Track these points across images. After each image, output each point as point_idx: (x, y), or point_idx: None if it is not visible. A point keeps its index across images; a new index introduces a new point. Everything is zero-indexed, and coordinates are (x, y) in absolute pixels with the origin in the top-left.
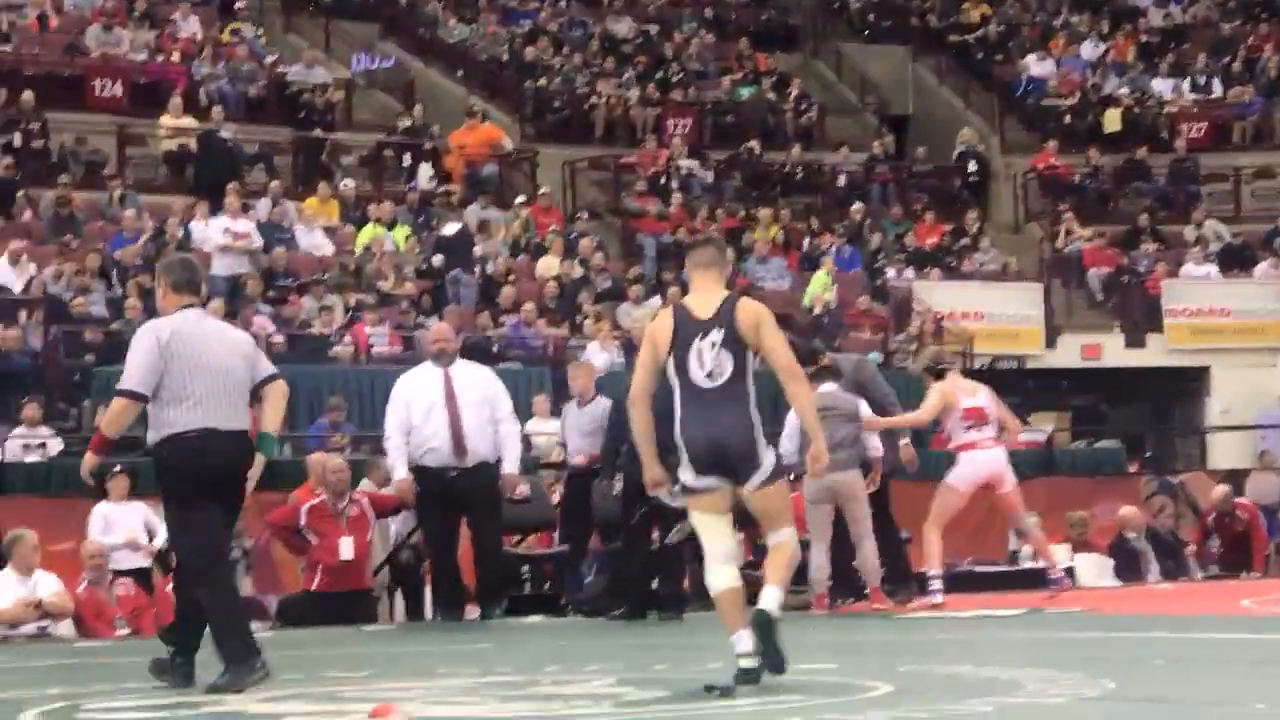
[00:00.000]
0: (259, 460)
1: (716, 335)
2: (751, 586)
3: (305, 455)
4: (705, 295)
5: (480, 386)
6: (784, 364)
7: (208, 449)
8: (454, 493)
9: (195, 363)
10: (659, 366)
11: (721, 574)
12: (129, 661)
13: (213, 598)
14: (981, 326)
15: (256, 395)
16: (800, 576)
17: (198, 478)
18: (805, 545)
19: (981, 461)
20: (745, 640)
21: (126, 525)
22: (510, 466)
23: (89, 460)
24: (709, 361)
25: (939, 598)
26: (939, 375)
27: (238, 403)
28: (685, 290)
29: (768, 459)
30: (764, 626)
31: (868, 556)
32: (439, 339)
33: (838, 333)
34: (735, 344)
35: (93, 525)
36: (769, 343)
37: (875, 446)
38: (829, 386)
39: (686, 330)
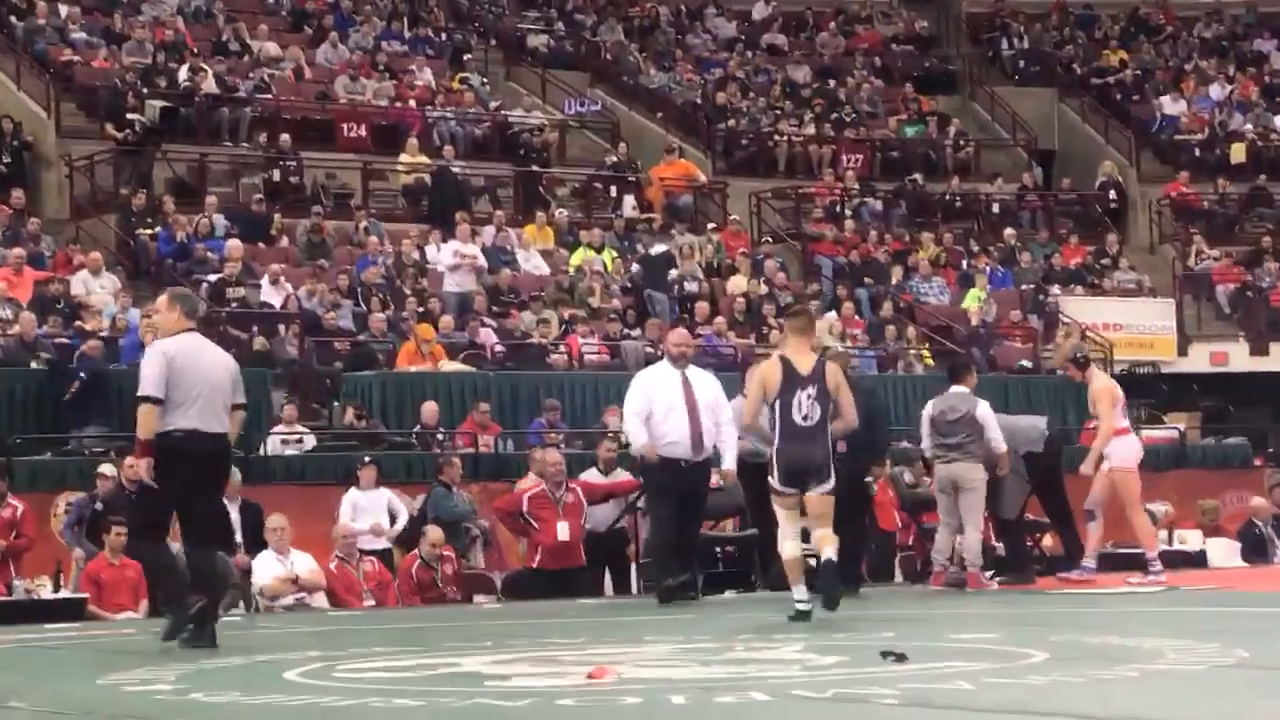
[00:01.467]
0: None
1: (813, 389)
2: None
3: (526, 450)
4: (804, 355)
5: (711, 389)
6: (846, 411)
7: (196, 445)
8: (682, 482)
9: (193, 376)
10: (767, 403)
11: (790, 546)
12: (376, 629)
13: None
14: (1120, 336)
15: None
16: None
17: (185, 466)
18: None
19: (1135, 444)
20: (802, 591)
21: (373, 510)
22: (729, 463)
23: (146, 465)
24: (805, 407)
25: (1163, 576)
26: (1083, 365)
27: (220, 412)
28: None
29: (831, 478)
30: (829, 569)
31: (971, 543)
32: (681, 343)
33: (992, 343)
34: (824, 396)
35: (344, 510)
36: (844, 396)
37: (996, 440)
38: (961, 389)
39: (793, 381)
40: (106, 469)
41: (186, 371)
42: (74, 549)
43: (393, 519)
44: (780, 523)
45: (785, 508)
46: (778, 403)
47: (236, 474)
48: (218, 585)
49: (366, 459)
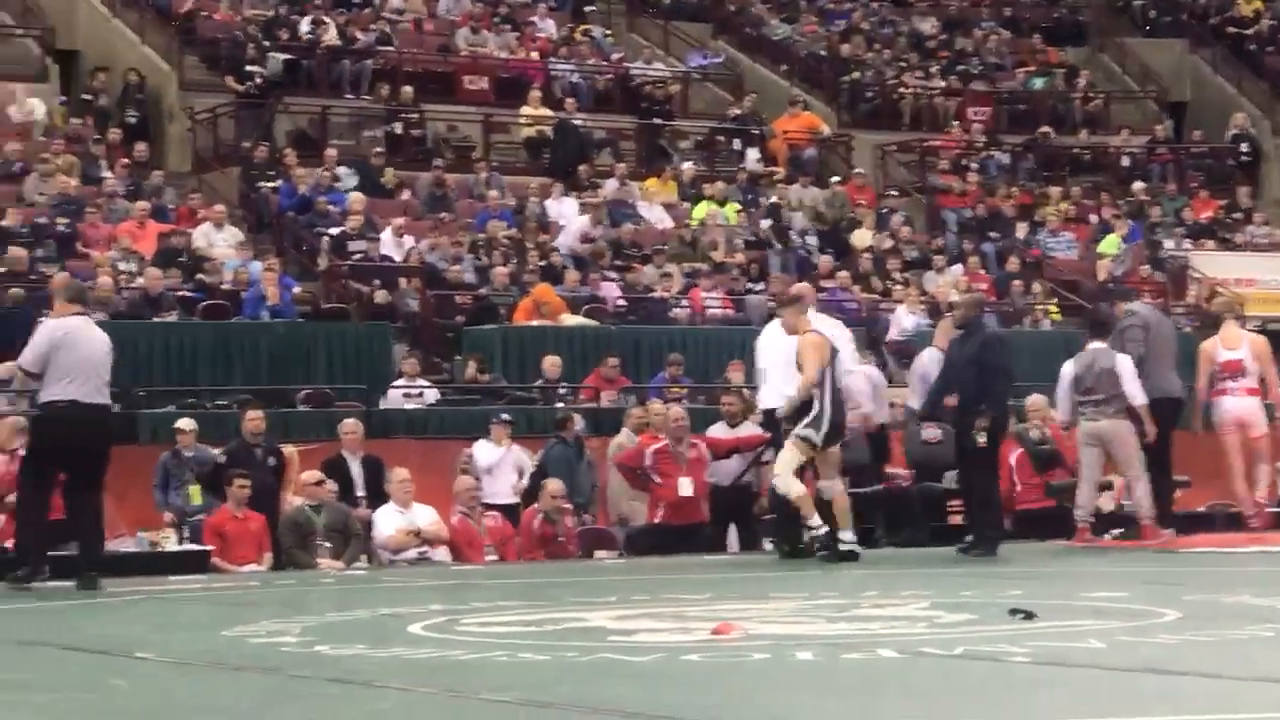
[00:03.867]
0: None
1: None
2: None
3: (647, 405)
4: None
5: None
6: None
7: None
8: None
9: (76, 354)
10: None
11: (795, 485)
12: (499, 583)
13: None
14: (1253, 292)
15: None
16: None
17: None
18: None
19: (1227, 407)
20: (850, 534)
21: (504, 466)
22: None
23: None
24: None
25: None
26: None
27: (100, 385)
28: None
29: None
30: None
31: (1140, 497)
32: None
33: (1122, 298)
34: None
35: (476, 464)
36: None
37: (1135, 394)
38: (1098, 344)
39: (830, 356)
40: (184, 424)
41: (68, 349)
42: (162, 511)
43: (520, 475)
44: (791, 465)
45: (804, 454)
46: (827, 372)
47: (358, 426)
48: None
49: (504, 416)
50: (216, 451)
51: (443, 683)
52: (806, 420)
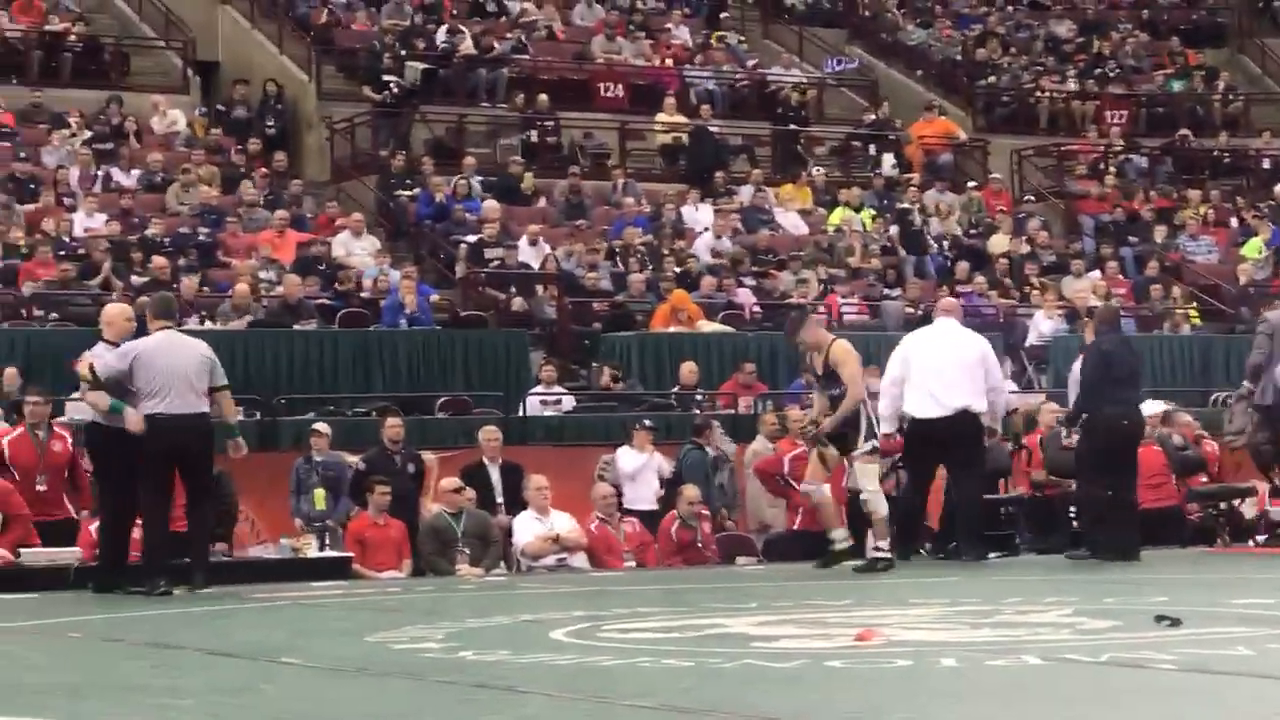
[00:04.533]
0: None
1: None
2: None
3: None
4: None
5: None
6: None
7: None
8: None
9: (158, 368)
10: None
11: (884, 503)
12: (639, 589)
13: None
14: None
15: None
16: None
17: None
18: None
19: None
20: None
21: (646, 472)
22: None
23: None
24: None
25: None
26: None
27: (193, 394)
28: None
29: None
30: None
31: None
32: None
33: (1263, 304)
34: None
35: (622, 469)
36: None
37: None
38: None
39: None
40: (320, 426)
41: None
42: (295, 517)
43: (661, 482)
44: (877, 481)
45: (878, 464)
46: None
47: (497, 434)
48: None
49: (647, 422)
50: (356, 459)
51: (587, 689)
52: (862, 434)
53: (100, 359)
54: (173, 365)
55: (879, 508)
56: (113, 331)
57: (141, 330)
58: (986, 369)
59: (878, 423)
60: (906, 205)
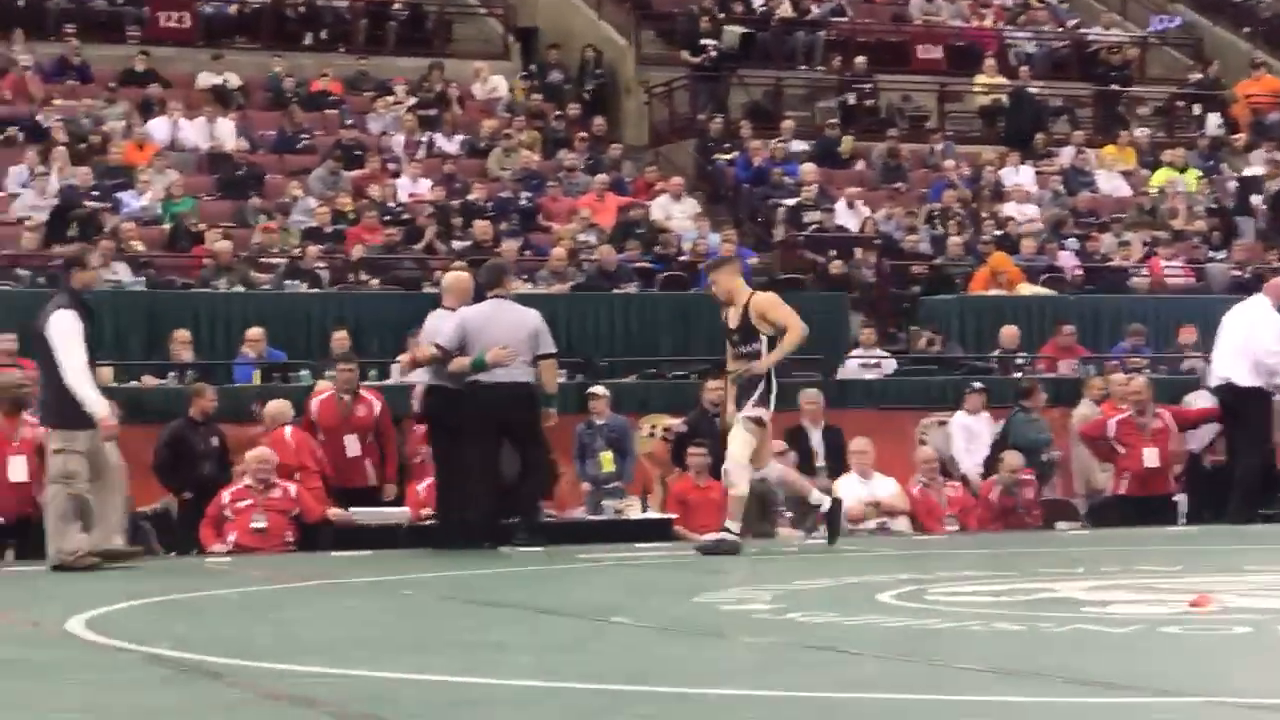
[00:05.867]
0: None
1: None
2: None
3: (1107, 375)
4: None
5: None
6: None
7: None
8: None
9: (487, 338)
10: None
11: (745, 479)
12: (962, 553)
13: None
14: None
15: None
16: None
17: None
18: None
19: None
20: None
21: (979, 436)
22: None
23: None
24: None
25: None
26: None
27: (517, 364)
28: None
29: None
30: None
31: None
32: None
33: None
34: None
35: (954, 436)
36: None
37: None
38: None
39: None
40: (597, 389)
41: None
42: (581, 481)
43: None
44: (746, 453)
45: (756, 438)
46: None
47: (818, 397)
48: None
49: (977, 384)
50: (677, 421)
51: (919, 652)
52: (755, 398)
53: (442, 335)
54: (501, 335)
55: (738, 482)
56: (453, 298)
57: (479, 297)
58: None
59: (774, 393)
60: (1258, 167)
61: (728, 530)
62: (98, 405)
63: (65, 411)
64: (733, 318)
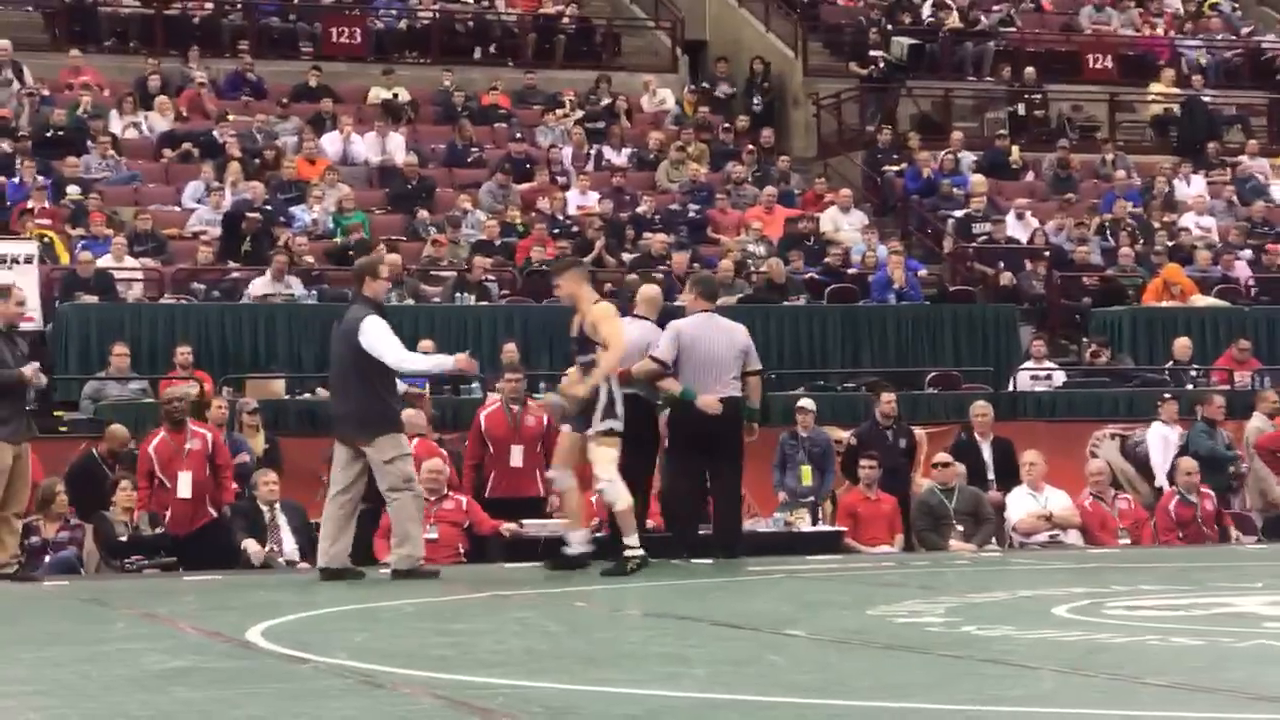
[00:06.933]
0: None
1: None
2: None
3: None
4: None
5: None
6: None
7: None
8: None
9: (697, 354)
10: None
11: (624, 494)
12: (1137, 567)
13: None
14: None
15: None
16: None
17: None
18: None
19: None
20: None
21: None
22: None
23: None
24: None
25: None
26: None
27: (722, 380)
28: None
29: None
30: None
31: None
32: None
33: None
34: None
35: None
36: None
37: None
38: None
39: None
40: (805, 403)
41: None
42: (778, 491)
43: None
44: (614, 467)
45: (617, 449)
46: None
47: (988, 409)
48: None
49: (1167, 395)
50: (846, 434)
51: (1098, 666)
52: (601, 412)
53: (658, 348)
54: (710, 351)
55: (617, 497)
56: (647, 308)
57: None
58: None
59: (619, 402)
60: None
61: (628, 547)
62: (443, 360)
63: (388, 416)
64: (574, 325)
